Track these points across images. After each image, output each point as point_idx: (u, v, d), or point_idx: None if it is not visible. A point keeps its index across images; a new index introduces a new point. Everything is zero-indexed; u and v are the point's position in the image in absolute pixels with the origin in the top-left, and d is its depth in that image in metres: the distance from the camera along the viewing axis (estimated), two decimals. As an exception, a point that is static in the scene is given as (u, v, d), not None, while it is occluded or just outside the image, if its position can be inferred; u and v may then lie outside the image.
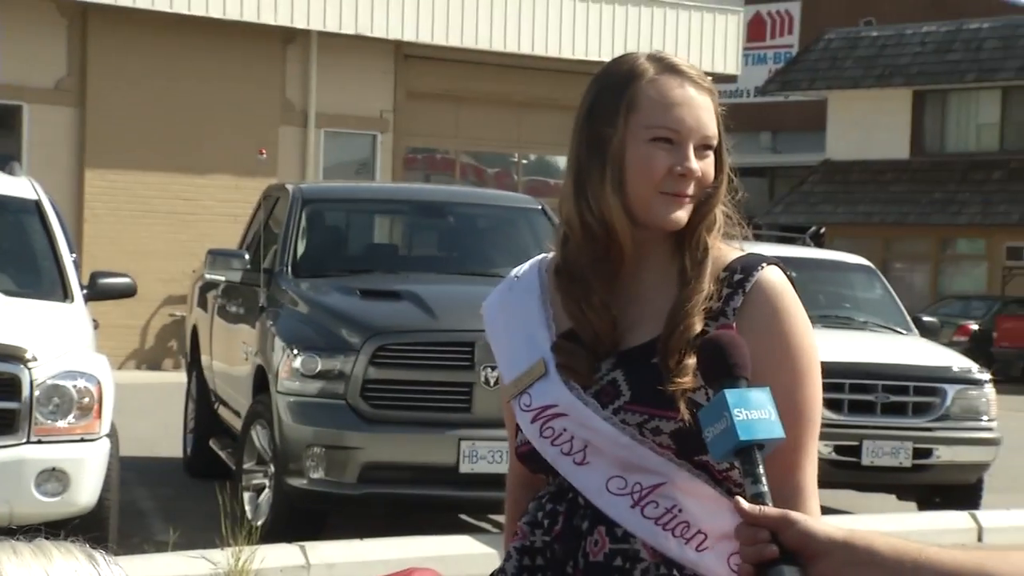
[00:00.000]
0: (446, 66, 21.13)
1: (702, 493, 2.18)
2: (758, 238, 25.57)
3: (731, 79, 23.67)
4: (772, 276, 2.23)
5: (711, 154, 2.24)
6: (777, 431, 1.80)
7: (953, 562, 1.69)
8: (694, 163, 2.21)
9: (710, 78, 2.31)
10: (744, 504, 1.73)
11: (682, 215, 2.22)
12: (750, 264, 2.24)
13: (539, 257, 2.39)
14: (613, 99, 2.23)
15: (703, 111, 2.23)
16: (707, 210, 2.25)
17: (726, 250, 2.27)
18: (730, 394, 1.79)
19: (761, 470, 1.77)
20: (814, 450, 2.23)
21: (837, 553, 1.69)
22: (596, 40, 21.42)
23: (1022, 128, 29.25)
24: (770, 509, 1.73)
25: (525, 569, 2.25)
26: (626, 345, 2.23)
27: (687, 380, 2.16)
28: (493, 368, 7.21)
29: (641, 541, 2.17)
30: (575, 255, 2.26)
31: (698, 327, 2.18)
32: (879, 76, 30.18)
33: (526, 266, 2.38)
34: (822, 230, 31.16)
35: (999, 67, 28.78)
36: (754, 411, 1.79)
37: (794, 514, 1.71)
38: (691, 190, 2.21)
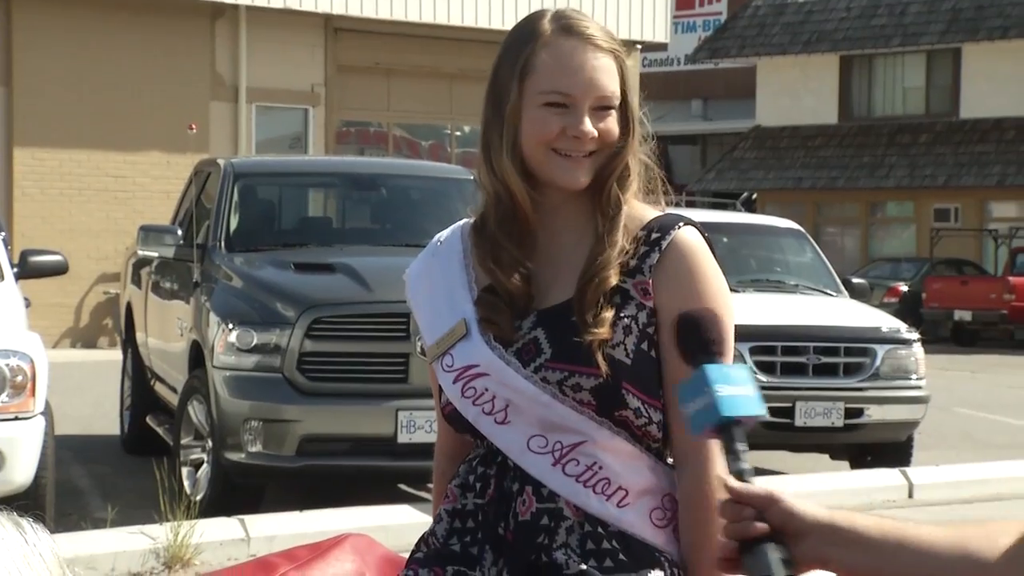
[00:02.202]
0: (376, 39, 21.05)
1: (622, 450, 2.22)
2: (691, 204, 25.71)
3: (661, 47, 23.77)
4: (688, 235, 2.28)
5: (612, 113, 2.26)
6: (759, 408, 1.76)
7: (934, 539, 1.68)
8: (587, 126, 2.23)
9: (616, 39, 2.32)
10: (732, 481, 1.72)
11: (580, 175, 2.25)
12: (667, 223, 2.29)
13: (461, 222, 2.42)
14: (510, 63, 2.26)
15: (600, 72, 2.24)
16: (615, 165, 2.27)
17: (645, 209, 2.32)
18: (711, 369, 1.76)
19: (742, 446, 1.73)
20: None
21: (820, 532, 1.69)
22: (526, 10, 21.40)
23: (947, 92, 29.59)
24: (755, 487, 1.71)
25: (456, 531, 2.28)
26: (547, 304, 2.27)
27: (603, 331, 2.20)
28: (421, 332, 7.22)
29: (565, 500, 2.21)
30: (487, 214, 2.32)
31: (613, 280, 2.23)
32: (806, 42, 30.40)
33: (448, 232, 2.42)
34: (754, 196, 31.41)
35: (923, 31, 29.07)
36: (737, 387, 1.75)
37: (778, 492, 1.71)
38: (589, 148, 2.24)
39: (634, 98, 2.31)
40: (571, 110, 2.24)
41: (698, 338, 1.84)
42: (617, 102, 2.26)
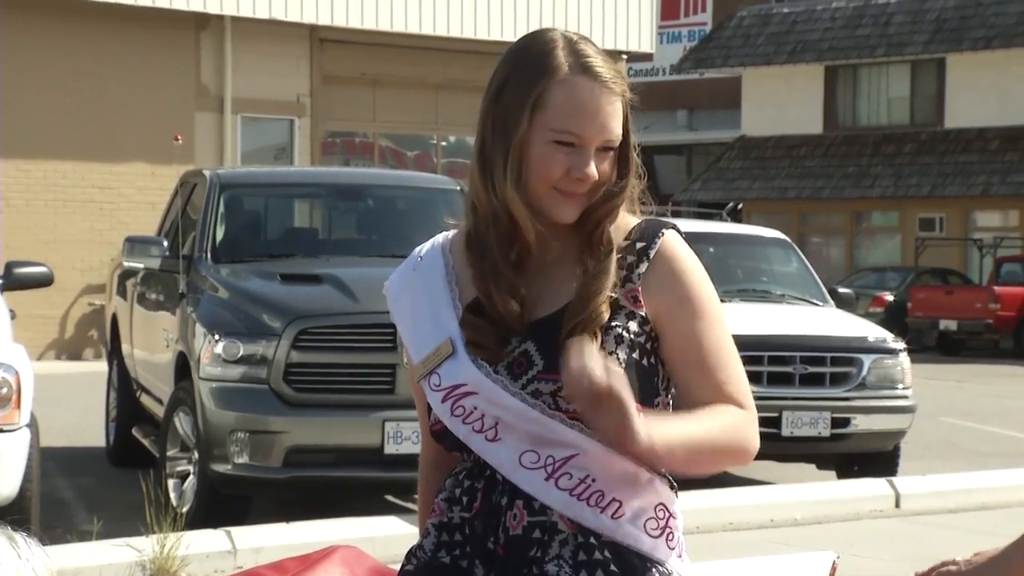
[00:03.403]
0: (362, 49, 21.06)
1: (614, 461, 2.22)
2: (676, 215, 25.74)
3: (646, 57, 23.82)
4: (673, 240, 2.30)
5: (612, 154, 2.28)
6: None
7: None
8: (592, 169, 2.24)
9: (623, 75, 2.33)
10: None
11: (573, 211, 2.27)
12: (651, 230, 2.30)
13: (441, 235, 2.42)
14: (521, 91, 2.25)
15: (611, 117, 2.25)
16: (610, 208, 2.29)
17: (626, 217, 2.32)
18: None
19: None
20: (745, 383, 2.30)
21: None
22: (511, 21, 21.44)
23: (931, 101, 29.69)
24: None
25: (444, 545, 2.28)
26: (535, 316, 2.27)
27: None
28: (406, 347, 7.21)
29: (558, 513, 2.21)
30: (484, 231, 2.30)
31: (605, 316, 2.24)
32: (791, 52, 30.49)
33: (428, 245, 2.40)
34: (739, 206, 31.47)
35: (907, 41, 29.17)
36: None
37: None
38: (585, 189, 2.26)
39: (633, 138, 2.32)
40: (578, 151, 2.24)
41: None
42: (618, 143, 2.28)
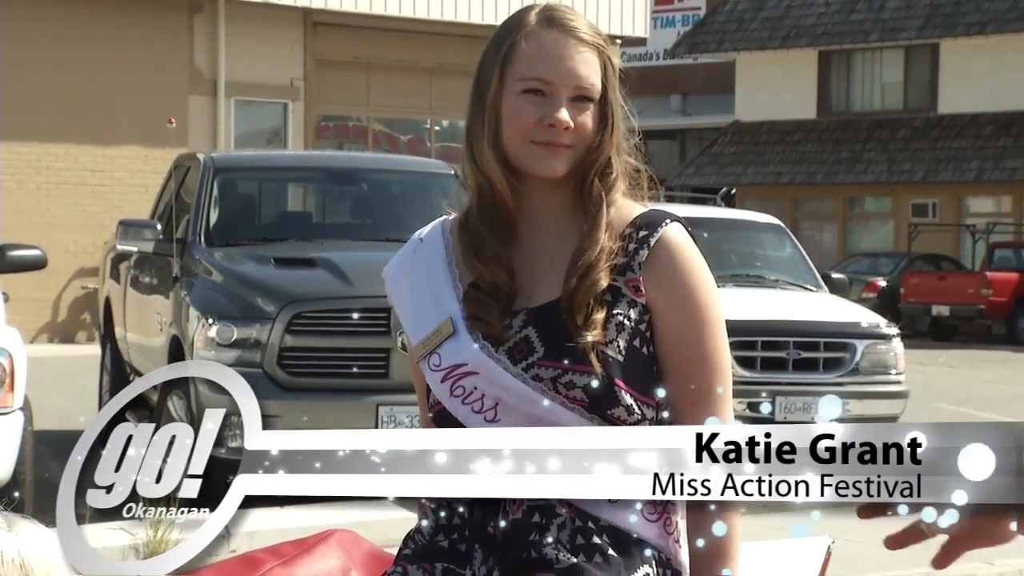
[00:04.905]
0: (355, 33, 21.01)
1: None
2: (670, 200, 25.76)
3: (640, 42, 23.80)
4: (676, 232, 2.28)
5: (590, 106, 2.26)
6: None
7: None
8: (563, 114, 2.23)
9: (602, 34, 2.33)
10: None
11: (557, 164, 2.25)
12: (654, 220, 2.29)
13: (442, 218, 2.41)
14: (493, 52, 2.28)
15: (580, 63, 2.25)
16: (595, 159, 2.27)
17: (630, 206, 2.31)
18: None
19: None
20: (728, 397, 2.28)
21: None
22: (506, 5, 21.39)
23: (925, 87, 29.68)
24: None
25: (442, 528, 2.28)
26: (536, 302, 2.26)
27: (595, 333, 2.20)
28: (404, 329, 7.22)
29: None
30: (470, 207, 2.31)
31: (603, 283, 2.23)
32: (785, 37, 30.46)
33: (428, 228, 2.41)
34: (732, 191, 31.46)
35: (901, 26, 29.16)
36: None
37: None
38: (566, 140, 2.25)
39: (615, 93, 2.30)
40: (549, 99, 2.24)
41: None
42: (597, 95, 2.27)
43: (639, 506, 2.24)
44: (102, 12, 19.06)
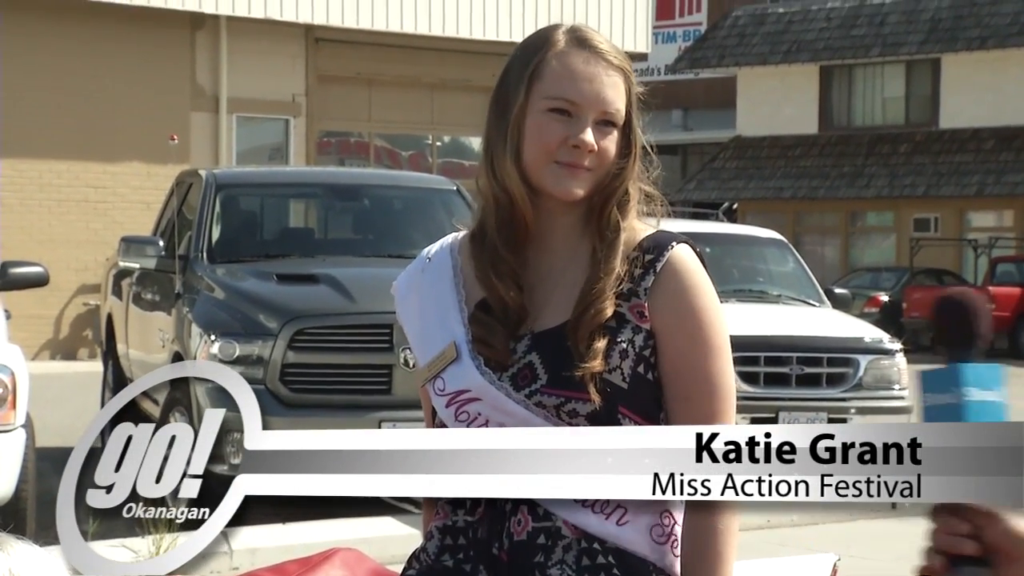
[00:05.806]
0: (357, 49, 21.04)
1: None
2: (672, 215, 25.71)
3: (642, 57, 23.80)
4: (683, 254, 2.25)
5: (614, 131, 2.25)
6: (1004, 416, 1.66)
7: None
8: (589, 136, 2.22)
9: (627, 59, 2.32)
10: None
11: (576, 186, 2.23)
12: (660, 243, 2.26)
13: (450, 236, 2.39)
14: (520, 68, 2.26)
15: (607, 87, 2.24)
16: (615, 187, 2.25)
17: (637, 227, 2.29)
18: (966, 370, 1.68)
19: None
20: (731, 423, 2.25)
21: None
22: (507, 21, 21.43)
23: (926, 101, 29.70)
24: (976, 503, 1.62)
25: (447, 548, 2.26)
26: (541, 327, 2.24)
27: (596, 364, 2.18)
28: (412, 350, 7.23)
29: (562, 518, 2.19)
30: (486, 222, 2.29)
31: (609, 311, 2.21)
32: (786, 52, 30.49)
33: (436, 247, 2.38)
34: (734, 206, 31.46)
35: (902, 41, 29.19)
36: (987, 392, 1.67)
37: (1002, 512, 1.62)
38: (587, 163, 2.23)
39: (638, 120, 2.29)
40: (575, 120, 2.22)
41: (963, 331, 1.74)
42: (621, 120, 2.25)
43: (646, 528, 2.23)
44: (104, 29, 19.09)
